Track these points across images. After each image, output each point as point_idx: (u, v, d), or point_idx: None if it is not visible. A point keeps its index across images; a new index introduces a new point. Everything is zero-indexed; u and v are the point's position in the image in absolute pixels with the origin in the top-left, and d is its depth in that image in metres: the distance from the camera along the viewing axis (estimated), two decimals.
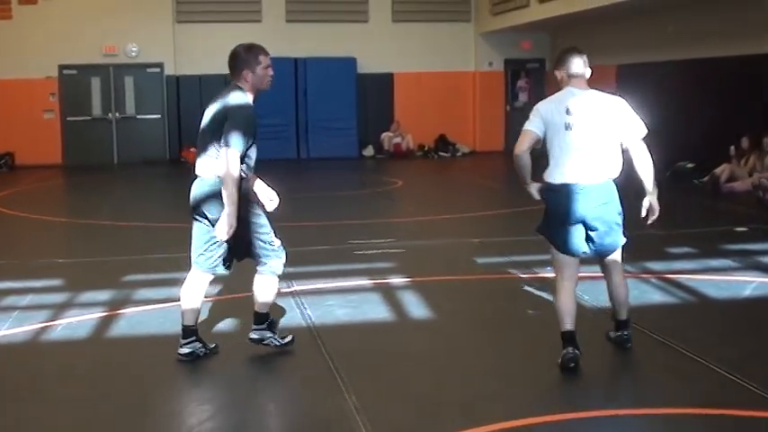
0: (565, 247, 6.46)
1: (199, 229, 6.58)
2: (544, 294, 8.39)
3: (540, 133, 6.41)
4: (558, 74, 6.49)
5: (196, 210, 6.51)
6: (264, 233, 6.50)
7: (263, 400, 5.94)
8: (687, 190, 16.31)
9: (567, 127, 6.31)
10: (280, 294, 8.47)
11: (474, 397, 5.85)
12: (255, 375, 6.52)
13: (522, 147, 6.45)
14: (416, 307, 8.02)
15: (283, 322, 7.66)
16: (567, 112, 6.33)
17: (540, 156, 6.50)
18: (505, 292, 8.50)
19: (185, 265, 10.06)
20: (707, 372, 6.18)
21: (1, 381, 6.39)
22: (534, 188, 6.59)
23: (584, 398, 5.82)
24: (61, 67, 24.12)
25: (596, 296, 8.26)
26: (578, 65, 6.41)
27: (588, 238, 6.43)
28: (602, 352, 6.91)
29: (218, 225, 6.25)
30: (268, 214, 6.57)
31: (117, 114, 24.60)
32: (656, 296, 8.39)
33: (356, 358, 6.79)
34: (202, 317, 7.21)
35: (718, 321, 7.72)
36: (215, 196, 6.31)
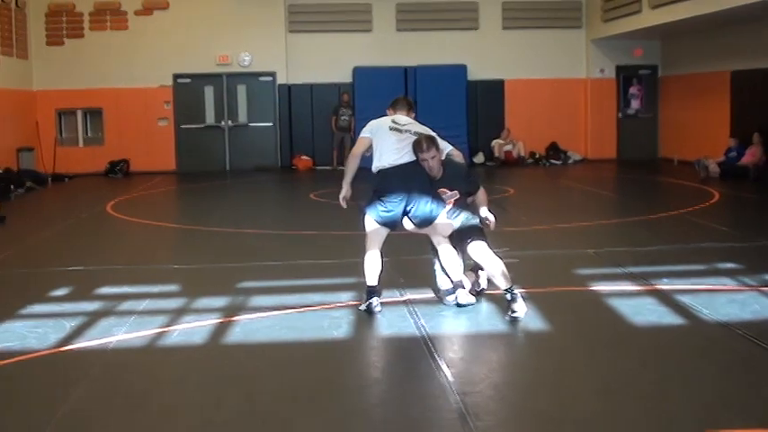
0: None
1: None
2: (661, 308, 8.20)
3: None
4: None
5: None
6: None
7: (377, 412, 5.89)
8: None
9: None
10: (392, 303, 8.47)
11: (590, 414, 5.72)
12: (366, 385, 6.47)
13: None
14: (530, 318, 7.89)
15: (396, 331, 7.63)
16: None
17: None
18: (621, 305, 8.32)
19: (298, 271, 10.18)
20: None
21: (116, 385, 6.46)
22: None
23: (708, 417, 5.63)
24: (175, 76, 24.57)
25: (716, 309, 8.05)
26: None
27: None
28: (727, 369, 6.69)
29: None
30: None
31: (230, 122, 24.93)
32: None
33: (470, 369, 6.71)
34: None
35: None
36: None
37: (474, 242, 8.07)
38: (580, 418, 5.65)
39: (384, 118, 8.54)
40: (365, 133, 8.45)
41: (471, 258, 8.17)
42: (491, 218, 8.24)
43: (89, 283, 9.81)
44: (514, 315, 7.78)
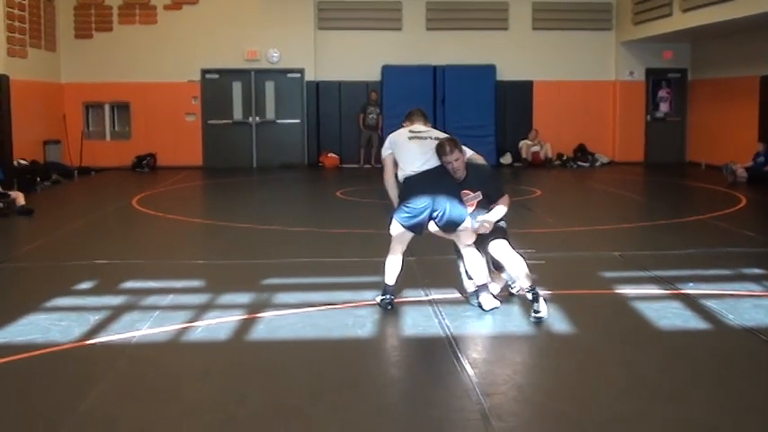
0: None
1: None
2: (686, 312, 8.14)
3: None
4: None
5: None
6: None
7: (399, 411, 5.87)
8: None
9: None
10: (417, 303, 8.45)
11: (613, 416, 5.68)
12: (389, 384, 6.46)
13: None
14: (554, 320, 7.86)
15: (420, 331, 7.61)
16: None
17: None
18: (646, 309, 8.26)
19: (323, 269, 10.18)
20: None
21: (140, 380, 6.47)
22: None
23: (730, 421, 5.58)
24: (204, 72, 24.63)
25: (741, 314, 7.99)
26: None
27: None
28: (750, 374, 6.63)
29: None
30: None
31: (257, 118, 24.97)
32: None
33: (493, 370, 6.68)
34: None
35: None
36: None
37: (495, 241, 8.04)
38: (603, 420, 5.62)
39: (401, 130, 8.57)
40: (386, 151, 8.49)
41: (493, 258, 8.15)
42: (488, 221, 8.05)
43: (114, 276, 9.83)
44: (538, 315, 7.76)
